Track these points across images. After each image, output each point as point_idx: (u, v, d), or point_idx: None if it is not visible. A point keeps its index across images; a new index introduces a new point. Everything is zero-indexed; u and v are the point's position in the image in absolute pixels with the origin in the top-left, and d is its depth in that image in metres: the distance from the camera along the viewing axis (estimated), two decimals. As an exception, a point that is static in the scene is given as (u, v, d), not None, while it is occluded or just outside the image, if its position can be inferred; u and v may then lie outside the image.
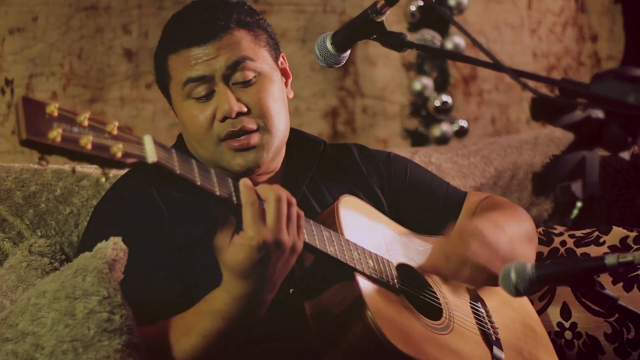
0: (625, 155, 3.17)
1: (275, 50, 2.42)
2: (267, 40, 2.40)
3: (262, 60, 2.36)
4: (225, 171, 2.32)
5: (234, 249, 1.91)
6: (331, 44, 2.17)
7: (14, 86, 3.54)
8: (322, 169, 2.47)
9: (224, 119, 2.30)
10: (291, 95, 2.44)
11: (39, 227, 2.51)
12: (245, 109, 2.31)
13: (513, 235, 2.35)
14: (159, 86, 2.45)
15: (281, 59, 2.44)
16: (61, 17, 3.60)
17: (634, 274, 2.69)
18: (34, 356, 1.94)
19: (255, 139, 2.31)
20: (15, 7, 3.54)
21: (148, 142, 1.79)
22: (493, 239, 2.25)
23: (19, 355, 1.95)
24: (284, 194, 1.93)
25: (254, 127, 2.31)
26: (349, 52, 2.19)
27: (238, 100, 2.31)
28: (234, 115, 2.29)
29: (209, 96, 2.32)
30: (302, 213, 1.98)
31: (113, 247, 2.05)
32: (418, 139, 4.01)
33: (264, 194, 1.92)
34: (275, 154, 2.37)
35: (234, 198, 1.91)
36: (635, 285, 2.68)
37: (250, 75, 2.33)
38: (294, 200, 1.96)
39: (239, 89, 2.32)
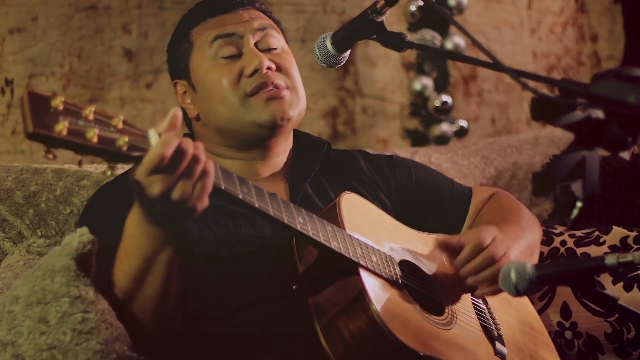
0: (625, 155, 3.17)
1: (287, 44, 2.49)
2: (282, 32, 2.48)
3: (282, 38, 2.45)
4: (254, 127, 2.34)
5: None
6: (331, 44, 2.17)
7: (14, 86, 3.54)
8: (326, 169, 2.48)
9: (253, 74, 2.34)
10: None
11: (39, 227, 2.51)
12: (274, 67, 2.36)
13: (517, 256, 2.36)
14: (172, 71, 2.47)
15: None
16: (61, 17, 3.60)
17: (634, 273, 2.69)
18: (15, 367, 1.91)
19: (285, 93, 2.36)
20: (15, 7, 3.54)
21: (153, 135, 1.80)
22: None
23: (1, 366, 1.91)
24: (191, 148, 1.82)
25: (283, 84, 2.36)
26: (349, 52, 2.19)
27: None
28: (264, 69, 2.34)
29: (236, 57, 2.37)
30: (211, 172, 1.87)
31: (79, 240, 2.02)
32: (418, 139, 4.01)
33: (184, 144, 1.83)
34: (297, 120, 2.40)
35: (238, 192, 1.92)
36: (635, 285, 2.68)
37: (275, 43, 2.41)
38: (202, 158, 1.84)
39: (266, 53, 2.38)
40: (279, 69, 2.37)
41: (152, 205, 1.87)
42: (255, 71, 2.34)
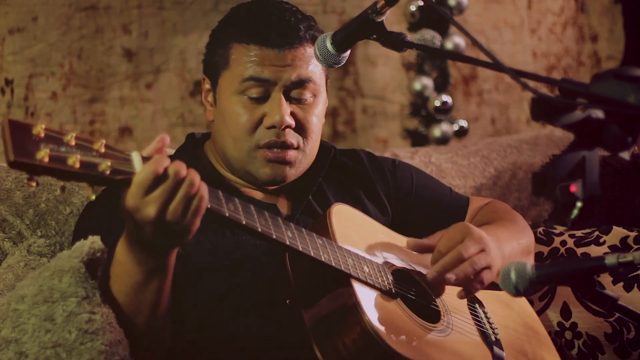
0: (625, 155, 3.17)
1: (327, 73, 2.42)
2: (323, 71, 2.41)
3: (321, 82, 2.37)
4: (251, 177, 2.34)
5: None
6: (331, 44, 2.16)
7: (14, 86, 3.54)
8: (331, 174, 2.47)
9: (270, 127, 2.30)
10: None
11: (39, 227, 2.51)
12: (293, 124, 2.31)
13: (512, 254, 2.36)
14: (205, 66, 2.42)
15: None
16: (61, 17, 3.60)
17: (634, 273, 2.69)
18: (18, 365, 1.91)
19: (290, 155, 2.32)
20: (15, 7, 3.54)
21: (136, 158, 1.79)
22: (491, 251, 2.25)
23: (3, 364, 1.91)
24: (183, 170, 1.83)
25: (295, 143, 2.32)
26: (349, 52, 2.19)
27: (290, 114, 2.31)
28: (283, 127, 2.29)
29: (262, 100, 2.31)
30: (205, 196, 1.87)
31: (90, 246, 2.03)
32: (418, 139, 4.01)
33: (170, 169, 1.83)
34: (299, 172, 2.38)
35: (224, 210, 1.91)
36: (635, 285, 2.68)
37: (307, 96, 2.33)
38: (195, 181, 1.85)
39: (293, 104, 2.33)
40: (298, 126, 2.32)
41: (145, 229, 1.85)
42: (274, 127, 2.30)
